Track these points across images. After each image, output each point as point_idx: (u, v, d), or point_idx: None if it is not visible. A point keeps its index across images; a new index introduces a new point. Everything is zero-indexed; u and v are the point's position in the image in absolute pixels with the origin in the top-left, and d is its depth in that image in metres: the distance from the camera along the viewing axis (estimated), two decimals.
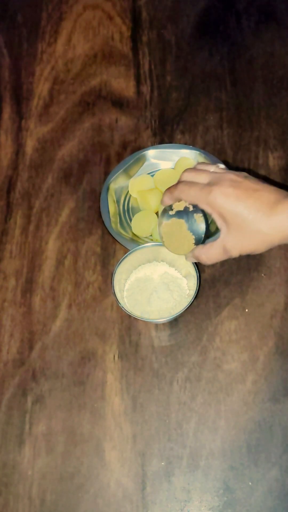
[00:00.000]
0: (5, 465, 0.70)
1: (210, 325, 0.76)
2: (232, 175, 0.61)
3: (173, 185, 0.66)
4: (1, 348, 0.76)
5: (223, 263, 0.79)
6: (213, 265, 0.79)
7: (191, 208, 0.64)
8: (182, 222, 0.65)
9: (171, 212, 0.66)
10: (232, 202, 0.59)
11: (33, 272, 0.81)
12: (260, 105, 0.92)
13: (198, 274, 0.72)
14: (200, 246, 0.66)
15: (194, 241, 0.66)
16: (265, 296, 0.77)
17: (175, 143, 0.89)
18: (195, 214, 0.64)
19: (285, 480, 0.67)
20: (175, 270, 0.77)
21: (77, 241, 0.83)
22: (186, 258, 0.69)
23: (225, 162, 0.85)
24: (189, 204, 0.64)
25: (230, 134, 0.90)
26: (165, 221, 0.66)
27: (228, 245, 0.62)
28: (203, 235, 0.65)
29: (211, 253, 0.65)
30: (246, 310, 0.76)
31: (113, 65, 0.98)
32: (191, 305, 0.72)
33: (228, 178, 0.61)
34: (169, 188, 0.66)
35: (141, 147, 0.89)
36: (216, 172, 0.63)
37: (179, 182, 0.65)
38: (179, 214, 0.65)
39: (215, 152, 0.88)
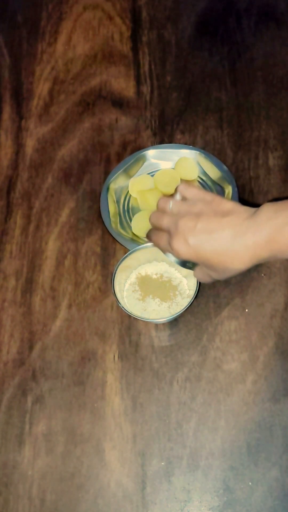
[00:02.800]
0: (5, 465, 0.70)
1: (210, 325, 0.76)
2: (185, 221, 0.61)
3: (149, 230, 0.68)
4: (1, 348, 0.76)
5: None
6: None
7: None
8: None
9: None
10: (191, 252, 0.60)
11: (33, 272, 0.81)
12: (260, 105, 0.92)
13: None
14: (198, 267, 0.67)
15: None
16: (265, 296, 0.77)
17: (175, 143, 0.89)
18: None
19: (285, 480, 0.67)
20: (175, 270, 0.77)
21: (77, 241, 0.83)
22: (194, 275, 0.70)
23: (225, 162, 0.85)
24: None
25: (230, 134, 0.90)
26: None
27: (212, 275, 0.64)
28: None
29: (204, 278, 0.66)
30: (246, 310, 0.76)
31: (113, 65, 0.98)
32: (191, 305, 0.72)
33: (180, 225, 0.61)
34: (148, 233, 0.69)
35: (141, 147, 0.89)
36: (172, 216, 0.63)
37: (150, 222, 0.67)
38: None
39: (215, 152, 0.88)
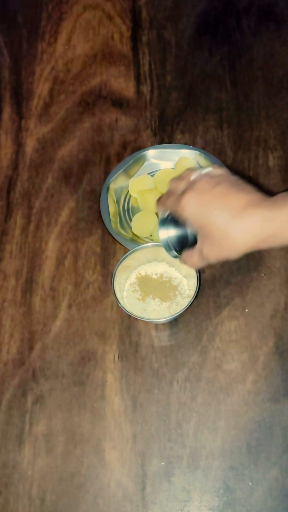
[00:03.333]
0: (5, 465, 0.70)
1: (210, 325, 0.76)
2: (204, 182, 0.60)
3: (163, 194, 0.67)
4: (1, 348, 0.76)
5: (223, 263, 0.79)
6: (213, 265, 0.79)
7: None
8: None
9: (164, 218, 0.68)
10: (198, 209, 0.59)
11: (33, 272, 0.81)
12: (260, 105, 0.92)
13: (198, 274, 0.72)
14: (187, 251, 0.66)
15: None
16: (265, 296, 0.77)
17: (175, 143, 0.89)
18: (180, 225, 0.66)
19: (285, 480, 0.67)
20: (175, 270, 0.77)
21: (77, 241, 0.83)
22: (180, 261, 0.69)
23: (225, 162, 0.85)
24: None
25: (230, 134, 0.90)
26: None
27: (204, 251, 0.62)
28: (188, 241, 0.66)
29: (193, 259, 0.65)
30: (246, 310, 0.76)
31: (113, 65, 0.98)
32: (191, 305, 0.72)
33: (197, 186, 0.60)
34: (159, 197, 0.67)
35: (141, 147, 0.89)
36: (191, 181, 0.62)
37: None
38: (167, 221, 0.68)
39: (215, 152, 0.88)
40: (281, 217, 0.56)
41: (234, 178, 0.61)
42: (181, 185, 0.62)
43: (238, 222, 0.57)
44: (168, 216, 0.67)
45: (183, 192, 0.60)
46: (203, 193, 0.59)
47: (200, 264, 0.65)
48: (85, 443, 0.70)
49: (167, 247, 0.69)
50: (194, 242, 0.64)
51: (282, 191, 0.60)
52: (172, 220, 0.67)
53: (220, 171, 0.63)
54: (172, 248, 0.69)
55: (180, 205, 0.60)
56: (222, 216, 0.57)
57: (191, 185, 0.61)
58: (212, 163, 0.85)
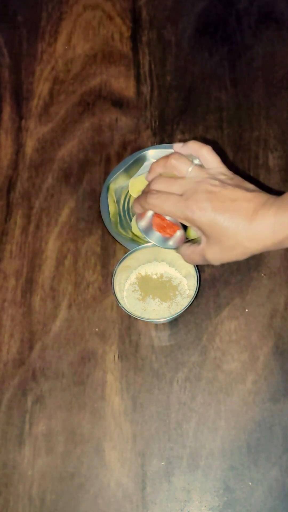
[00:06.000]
0: (5, 465, 0.70)
1: (210, 325, 0.76)
2: (208, 185, 0.58)
3: (143, 194, 0.62)
4: (1, 348, 0.76)
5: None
6: (213, 265, 0.79)
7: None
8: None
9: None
10: (209, 217, 0.57)
11: (33, 272, 0.81)
12: (260, 105, 0.92)
13: (198, 274, 0.72)
14: (185, 245, 0.65)
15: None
16: (265, 296, 0.77)
17: (175, 143, 0.89)
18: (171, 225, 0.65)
19: (285, 480, 0.67)
20: (175, 270, 0.77)
21: (77, 241, 0.83)
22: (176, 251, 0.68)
23: (225, 162, 0.85)
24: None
25: (230, 134, 0.90)
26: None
27: (208, 255, 0.61)
28: (183, 239, 0.65)
29: (192, 257, 0.64)
30: (246, 310, 0.76)
31: (113, 65, 0.98)
32: (191, 305, 0.72)
33: (203, 189, 0.57)
34: (138, 198, 0.63)
35: (141, 147, 0.89)
36: (190, 180, 0.59)
37: (149, 190, 0.62)
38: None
39: (215, 152, 0.87)
40: None
41: (231, 174, 0.60)
42: (175, 187, 0.60)
43: (251, 228, 0.55)
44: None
45: (188, 197, 0.58)
46: (212, 198, 0.57)
47: (198, 262, 0.64)
48: (85, 443, 0.70)
49: (162, 242, 0.66)
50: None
51: (283, 192, 0.60)
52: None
53: (214, 159, 0.60)
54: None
55: (187, 211, 0.58)
56: (234, 224, 0.56)
57: (194, 188, 0.58)
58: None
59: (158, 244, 0.67)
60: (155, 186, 0.62)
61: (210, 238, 0.59)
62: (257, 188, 0.59)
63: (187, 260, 0.66)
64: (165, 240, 0.66)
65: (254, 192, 0.58)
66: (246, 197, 0.56)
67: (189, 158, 0.62)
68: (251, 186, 0.59)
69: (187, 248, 0.65)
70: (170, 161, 0.61)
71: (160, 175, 0.63)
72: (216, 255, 0.60)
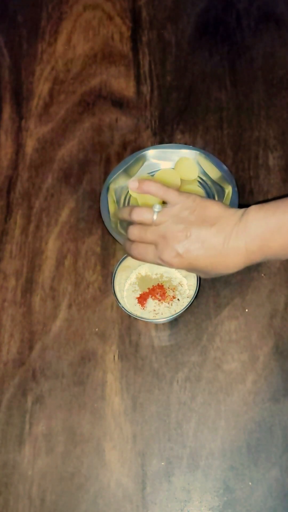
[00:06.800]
0: (5, 465, 0.70)
1: (210, 325, 0.76)
2: (175, 233, 0.60)
3: (127, 243, 0.66)
4: (1, 348, 0.76)
5: None
6: None
7: None
8: None
9: None
10: (186, 265, 0.61)
11: (33, 272, 0.81)
12: (260, 105, 0.92)
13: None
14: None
15: None
16: (265, 296, 0.77)
17: (175, 143, 0.89)
18: None
19: (285, 480, 0.67)
20: (175, 270, 0.77)
21: (77, 241, 0.83)
22: None
23: (225, 162, 0.85)
24: None
25: (230, 134, 0.90)
26: None
27: (203, 276, 0.66)
28: None
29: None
30: (246, 310, 0.76)
31: (113, 65, 0.98)
32: (191, 305, 0.72)
33: (172, 240, 0.60)
34: (125, 244, 0.66)
35: (141, 147, 0.89)
36: (157, 228, 0.62)
37: (129, 240, 0.65)
38: None
39: (215, 152, 0.88)
40: (263, 233, 0.59)
41: (191, 202, 0.62)
42: (149, 235, 0.62)
43: (225, 255, 0.60)
44: None
45: (159, 249, 0.61)
46: (180, 245, 0.60)
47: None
48: (85, 443, 0.70)
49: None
50: None
51: (283, 195, 0.61)
52: None
53: (172, 195, 0.62)
54: None
55: (165, 263, 0.62)
56: (209, 258, 0.60)
57: (161, 238, 0.61)
58: (213, 163, 0.84)
59: None
60: (131, 236, 0.65)
61: (197, 273, 0.65)
62: (219, 208, 0.61)
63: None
64: None
65: (218, 222, 0.60)
66: (212, 233, 0.60)
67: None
68: (213, 209, 0.61)
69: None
70: (133, 217, 0.64)
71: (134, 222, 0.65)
72: (206, 276, 0.65)
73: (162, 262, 0.62)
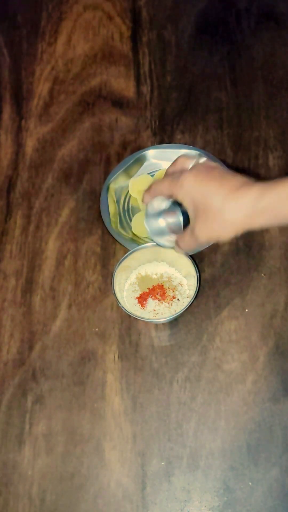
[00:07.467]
0: (5, 465, 0.70)
1: (210, 325, 0.76)
2: (202, 166, 0.62)
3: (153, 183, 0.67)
4: (1, 348, 0.76)
5: (223, 263, 0.79)
6: (213, 265, 0.79)
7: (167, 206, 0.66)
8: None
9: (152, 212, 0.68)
10: (196, 187, 0.61)
11: (33, 272, 0.81)
12: (260, 105, 0.92)
13: (198, 274, 0.72)
14: (179, 235, 0.66)
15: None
16: (265, 296, 0.77)
17: (175, 143, 0.89)
18: (171, 211, 0.66)
19: (285, 480, 0.67)
20: (175, 270, 0.77)
21: (77, 241, 0.83)
22: (175, 250, 0.69)
23: (225, 162, 0.85)
24: (167, 199, 0.66)
25: (230, 134, 0.90)
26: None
27: (195, 230, 0.63)
28: (181, 227, 0.66)
29: (185, 240, 0.65)
30: (246, 310, 0.76)
31: (113, 65, 0.98)
32: (191, 305, 0.72)
33: (197, 167, 0.62)
34: (147, 188, 0.67)
35: (141, 147, 0.89)
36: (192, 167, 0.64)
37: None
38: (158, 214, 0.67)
39: (215, 152, 0.88)
40: (272, 193, 0.57)
41: (227, 169, 0.64)
42: (178, 173, 0.64)
43: (232, 199, 0.59)
44: (155, 210, 0.67)
45: (181, 174, 0.62)
46: (201, 174, 0.61)
47: (191, 244, 0.65)
48: (85, 443, 0.70)
49: (161, 233, 0.68)
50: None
51: None
52: (159, 214, 0.67)
53: (214, 163, 0.65)
54: (165, 234, 0.68)
55: (178, 183, 0.62)
56: (218, 194, 0.59)
57: (189, 170, 0.63)
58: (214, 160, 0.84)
59: (156, 236, 0.68)
60: (165, 175, 0.66)
61: (197, 210, 0.61)
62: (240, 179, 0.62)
63: (181, 245, 0.67)
64: (165, 232, 0.68)
65: (242, 176, 0.61)
66: (233, 177, 0.61)
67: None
68: (242, 175, 0.62)
69: (179, 235, 0.66)
70: (178, 159, 0.66)
71: None
72: (202, 228, 0.62)
73: (177, 182, 0.62)
